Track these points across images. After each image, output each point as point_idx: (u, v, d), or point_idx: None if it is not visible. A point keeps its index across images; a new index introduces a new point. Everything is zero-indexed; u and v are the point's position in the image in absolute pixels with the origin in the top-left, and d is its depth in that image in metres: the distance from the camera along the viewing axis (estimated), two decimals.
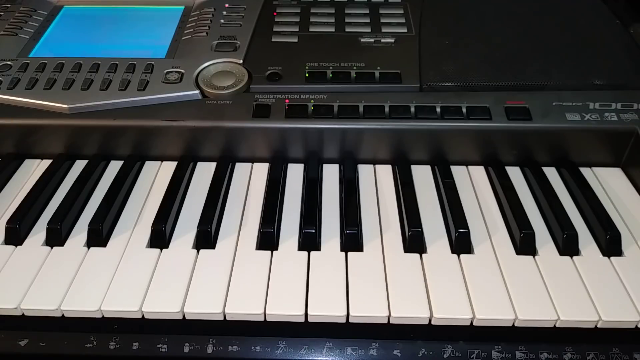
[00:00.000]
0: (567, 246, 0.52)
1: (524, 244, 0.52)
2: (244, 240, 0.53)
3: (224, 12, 0.74)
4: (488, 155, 0.61)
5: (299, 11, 0.75)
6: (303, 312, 0.46)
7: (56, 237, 0.53)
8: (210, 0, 0.76)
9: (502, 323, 0.46)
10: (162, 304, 0.47)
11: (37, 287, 0.48)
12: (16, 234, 0.53)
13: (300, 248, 0.52)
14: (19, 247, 0.52)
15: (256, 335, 0.46)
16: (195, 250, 0.52)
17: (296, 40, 0.70)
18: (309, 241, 0.52)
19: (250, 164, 0.62)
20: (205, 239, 0.52)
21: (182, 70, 0.64)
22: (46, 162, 0.62)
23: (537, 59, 0.66)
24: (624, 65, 0.65)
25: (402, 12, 0.74)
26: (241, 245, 0.52)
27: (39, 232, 0.54)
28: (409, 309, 0.46)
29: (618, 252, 0.52)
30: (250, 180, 0.60)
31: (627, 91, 0.62)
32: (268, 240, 0.52)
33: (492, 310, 0.46)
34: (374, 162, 0.62)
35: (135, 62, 0.65)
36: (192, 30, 0.71)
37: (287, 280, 0.49)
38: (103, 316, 0.47)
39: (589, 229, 0.54)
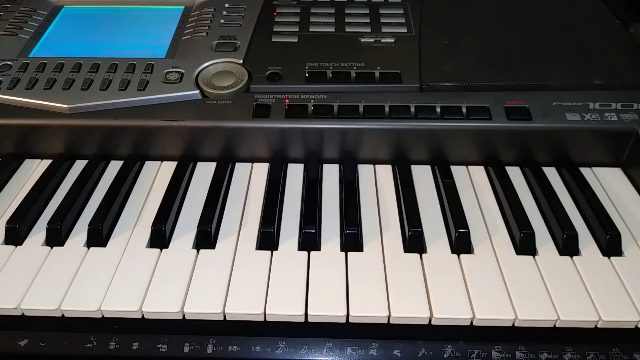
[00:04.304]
0: (567, 246, 0.52)
1: (524, 244, 0.52)
2: (244, 240, 0.53)
3: (224, 12, 0.74)
4: (488, 155, 0.61)
5: (299, 11, 0.75)
6: (303, 312, 0.46)
7: (56, 237, 0.53)
8: (210, 0, 0.76)
9: (502, 323, 0.46)
10: (162, 304, 0.47)
11: (37, 287, 0.48)
12: (16, 234, 0.53)
13: (300, 248, 0.52)
14: (19, 247, 0.52)
15: (256, 335, 0.46)
16: (195, 250, 0.52)
17: (296, 40, 0.70)
18: (309, 241, 0.52)
19: (250, 164, 0.62)
20: (205, 239, 0.52)
21: (182, 70, 0.64)
22: (46, 162, 0.62)
23: (537, 59, 0.66)
24: (624, 65, 0.65)
25: (402, 12, 0.74)
26: (241, 245, 0.52)
27: (39, 232, 0.54)
28: (409, 309, 0.46)
29: (618, 252, 0.52)
30: (250, 180, 0.60)
31: (627, 91, 0.62)
32: (268, 240, 0.52)
33: (492, 310, 0.46)
34: (374, 162, 0.62)
35: (135, 62, 0.65)
36: (192, 30, 0.71)
37: (287, 280, 0.49)
38: (103, 316, 0.47)
39: (589, 229, 0.54)
